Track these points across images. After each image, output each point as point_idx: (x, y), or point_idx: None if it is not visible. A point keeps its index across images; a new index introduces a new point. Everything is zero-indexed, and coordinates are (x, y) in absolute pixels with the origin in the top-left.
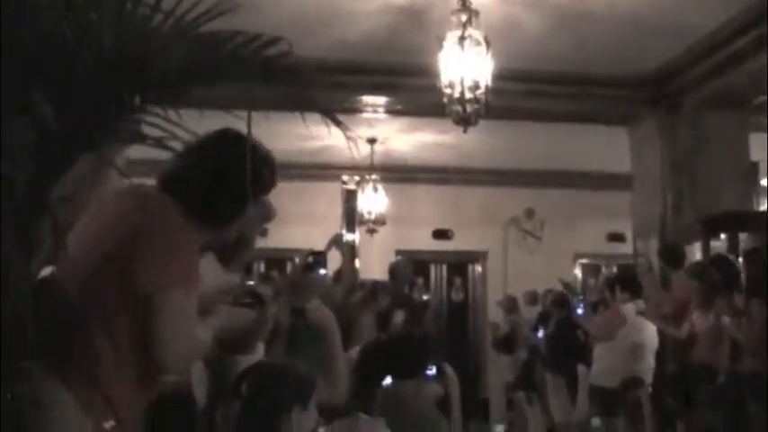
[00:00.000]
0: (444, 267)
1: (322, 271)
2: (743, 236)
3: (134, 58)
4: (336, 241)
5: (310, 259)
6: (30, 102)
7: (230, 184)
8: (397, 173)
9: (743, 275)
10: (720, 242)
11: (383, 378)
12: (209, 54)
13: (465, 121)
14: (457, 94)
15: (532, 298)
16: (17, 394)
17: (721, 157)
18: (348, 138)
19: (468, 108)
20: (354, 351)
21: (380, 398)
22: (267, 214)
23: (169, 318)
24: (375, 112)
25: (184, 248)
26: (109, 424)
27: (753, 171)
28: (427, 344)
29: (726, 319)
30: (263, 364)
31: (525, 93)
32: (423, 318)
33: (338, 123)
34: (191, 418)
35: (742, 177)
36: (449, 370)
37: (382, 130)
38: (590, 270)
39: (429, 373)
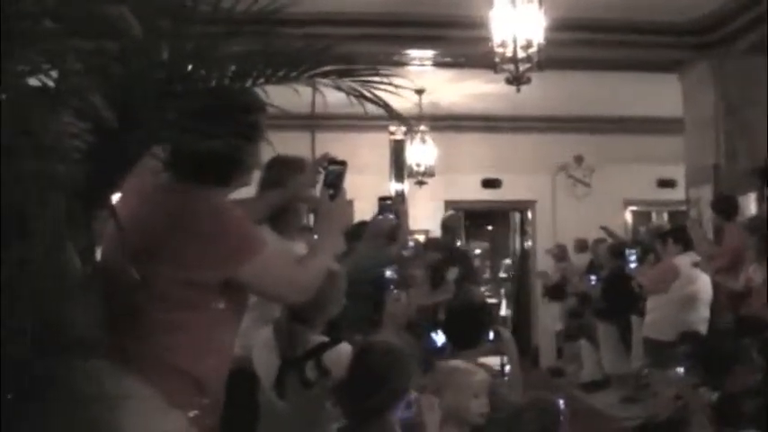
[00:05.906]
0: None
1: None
2: None
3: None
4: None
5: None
6: (91, 104)
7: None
8: (445, 122)
9: None
10: None
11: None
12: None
13: (517, 81)
14: (509, 54)
15: (582, 246)
16: (87, 397)
17: None
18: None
19: (521, 67)
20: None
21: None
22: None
23: (268, 281)
24: (422, 65)
25: (230, 223)
26: (194, 413)
27: None
28: (488, 314)
29: None
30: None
31: (575, 42)
32: (477, 275)
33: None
34: (252, 391)
35: None
36: (506, 334)
37: (430, 80)
38: (640, 217)
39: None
